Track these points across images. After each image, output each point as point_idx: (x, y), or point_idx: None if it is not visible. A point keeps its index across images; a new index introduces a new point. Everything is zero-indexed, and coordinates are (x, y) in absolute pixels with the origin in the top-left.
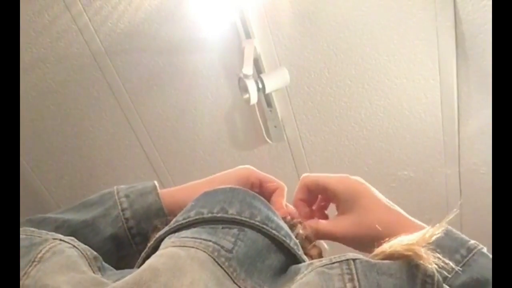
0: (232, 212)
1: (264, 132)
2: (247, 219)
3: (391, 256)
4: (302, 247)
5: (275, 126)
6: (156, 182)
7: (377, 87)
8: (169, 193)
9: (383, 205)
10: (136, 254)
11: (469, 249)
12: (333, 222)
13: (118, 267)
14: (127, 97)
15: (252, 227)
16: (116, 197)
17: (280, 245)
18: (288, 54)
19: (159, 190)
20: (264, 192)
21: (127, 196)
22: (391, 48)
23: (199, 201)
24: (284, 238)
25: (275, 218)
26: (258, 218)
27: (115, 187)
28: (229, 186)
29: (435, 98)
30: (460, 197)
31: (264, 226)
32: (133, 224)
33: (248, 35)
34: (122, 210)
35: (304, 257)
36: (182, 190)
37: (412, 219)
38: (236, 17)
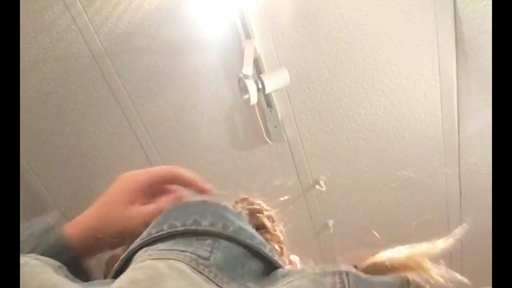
0: (205, 224)
1: (264, 132)
2: (221, 231)
3: (391, 269)
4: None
5: (275, 126)
6: (57, 215)
7: (377, 87)
8: (71, 227)
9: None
10: None
11: None
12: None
13: None
14: (127, 97)
15: (226, 238)
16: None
17: (256, 253)
18: (288, 54)
19: (58, 228)
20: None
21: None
22: (391, 48)
23: (171, 213)
24: (258, 246)
25: (247, 227)
26: (231, 229)
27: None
28: (201, 199)
29: (435, 98)
30: (460, 197)
31: (238, 236)
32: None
33: (248, 35)
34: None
35: (281, 262)
36: (82, 222)
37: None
38: (236, 17)
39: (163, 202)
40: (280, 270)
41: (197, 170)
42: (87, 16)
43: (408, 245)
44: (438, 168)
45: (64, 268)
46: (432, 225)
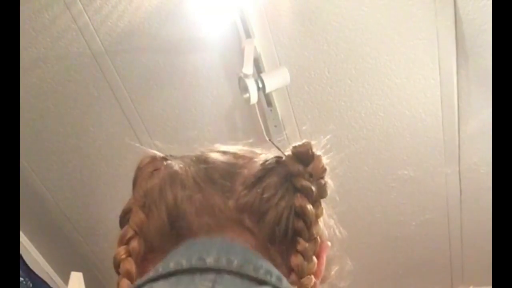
0: (209, 260)
1: (264, 132)
2: (224, 266)
3: None
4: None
5: (275, 126)
6: None
7: (377, 87)
8: None
9: None
10: None
11: None
12: None
13: None
14: (127, 97)
15: (229, 272)
16: None
17: (262, 282)
18: (288, 54)
19: None
20: None
21: None
22: (391, 48)
23: (179, 251)
24: (264, 276)
25: (254, 258)
26: (235, 263)
27: None
28: (208, 236)
29: (435, 97)
30: (460, 197)
31: (241, 269)
32: None
33: (248, 35)
34: None
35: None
36: None
37: None
38: (236, 17)
39: None
40: None
41: None
42: (87, 15)
43: None
44: (438, 167)
45: None
46: (432, 225)
